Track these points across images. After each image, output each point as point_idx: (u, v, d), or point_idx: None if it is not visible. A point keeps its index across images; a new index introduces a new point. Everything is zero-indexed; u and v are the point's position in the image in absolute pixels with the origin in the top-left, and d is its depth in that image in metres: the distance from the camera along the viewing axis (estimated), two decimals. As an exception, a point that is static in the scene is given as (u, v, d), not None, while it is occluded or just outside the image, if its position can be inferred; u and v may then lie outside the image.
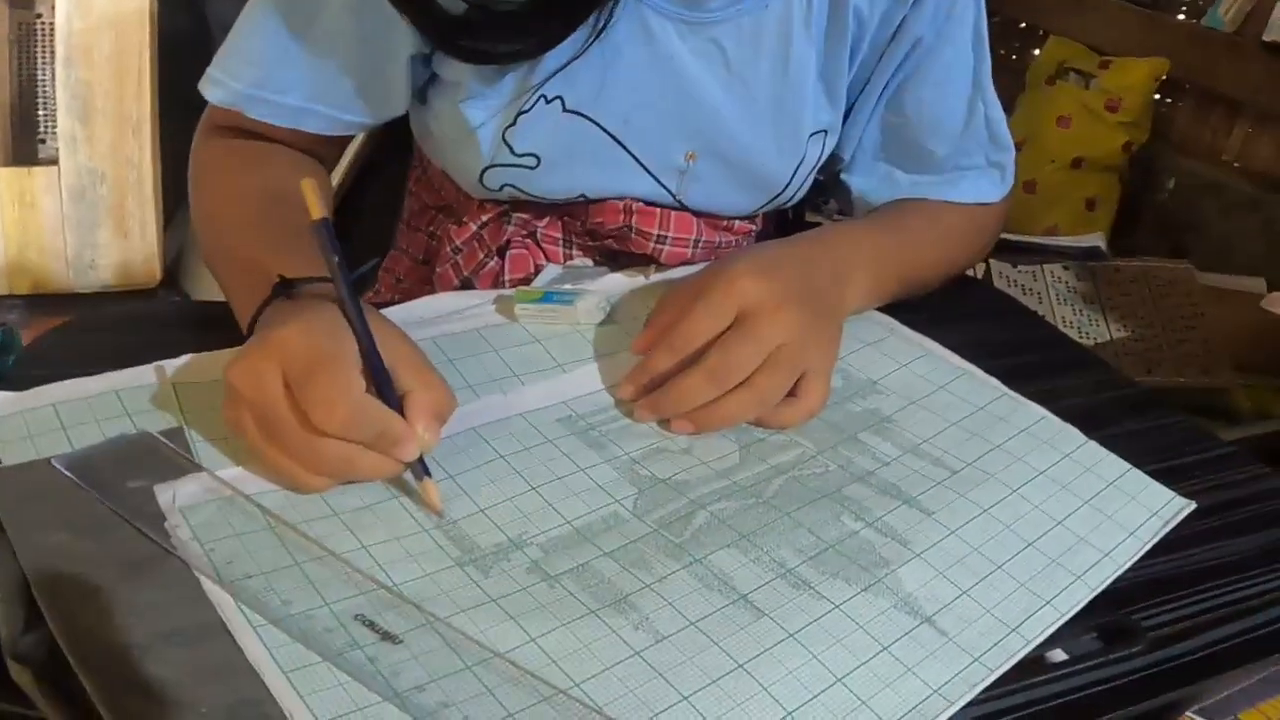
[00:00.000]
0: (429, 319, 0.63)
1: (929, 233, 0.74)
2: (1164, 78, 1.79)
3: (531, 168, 0.67)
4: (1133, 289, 1.59)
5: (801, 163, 0.71)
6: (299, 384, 0.45)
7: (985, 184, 0.75)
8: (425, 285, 0.78)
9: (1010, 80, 1.87)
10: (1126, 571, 0.51)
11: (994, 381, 0.64)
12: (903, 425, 0.59)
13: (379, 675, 0.38)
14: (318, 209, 0.49)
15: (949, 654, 0.44)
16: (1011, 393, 0.63)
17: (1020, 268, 1.57)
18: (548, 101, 0.65)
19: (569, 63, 0.63)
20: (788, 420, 0.57)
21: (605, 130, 0.67)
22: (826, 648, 0.43)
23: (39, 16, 1.63)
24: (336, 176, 0.93)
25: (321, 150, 0.70)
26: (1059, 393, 0.67)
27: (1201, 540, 0.55)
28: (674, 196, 0.71)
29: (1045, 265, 1.59)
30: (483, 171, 0.68)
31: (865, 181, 0.76)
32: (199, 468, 0.47)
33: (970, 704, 0.43)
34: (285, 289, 0.52)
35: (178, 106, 1.65)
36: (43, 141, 1.68)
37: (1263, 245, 1.67)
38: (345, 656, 0.39)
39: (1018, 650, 0.45)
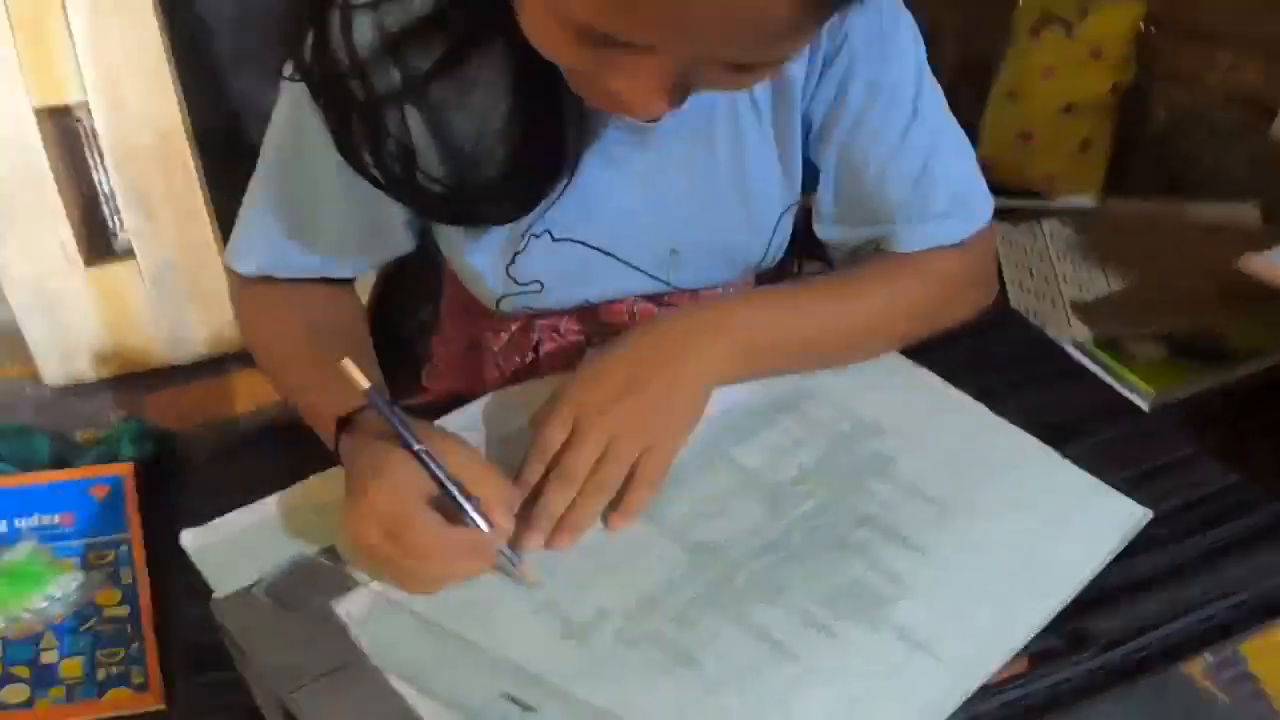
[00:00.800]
0: (493, 414, 0.82)
1: (855, 298, 0.82)
2: (1145, 18, 1.90)
3: (538, 292, 0.87)
4: (1128, 236, 1.72)
5: (772, 238, 0.88)
6: (396, 539, 0.65)
7: (945, 227, 0.82)
8: (478, 375, 0.96)
9: (996, 33, 1.99)
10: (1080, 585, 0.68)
11: (982, 409, 0.83)
12: (900, 464, 0.79)
13: (528, 737, 0.58)
14: (362, 381, 0.68)
15: (939, 675, 0.64)
16: (996, 419, 0.83)
17: (1019, 225, 1.70)
18: (537, 237, 0.83)
19: (549, 206, 0.80)
20: (634, 502, 0.72)
21: (594, 248, 0.85)
22: (843, 680, 0.63)
23: (79, 121, 1.84)
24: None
25: None
26: (1045, 407, 0.85)
27: (1156, 543, 0.74)
28: (667, 284, 0.89)
29: (1043, 221, 1.72)
30: (497, 301, 0.87)
31: (830, 232, 0.86)
32: (356, 581, 0.66)
33: (955, 712, 0.61)
34: (346, 425, 0.73)
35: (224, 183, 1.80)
36: (114, 236, 1.86)
37: (1250, 171, 1.79)
38: (501, 726, 0.58)
39: (994, 666, 0.65)
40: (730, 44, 0.55)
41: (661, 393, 0.74)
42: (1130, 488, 0.76)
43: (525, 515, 0.71)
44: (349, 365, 0.68)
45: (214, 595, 0.68)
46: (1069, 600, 0.69)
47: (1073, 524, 0.74)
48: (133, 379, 1.93)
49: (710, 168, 0.82)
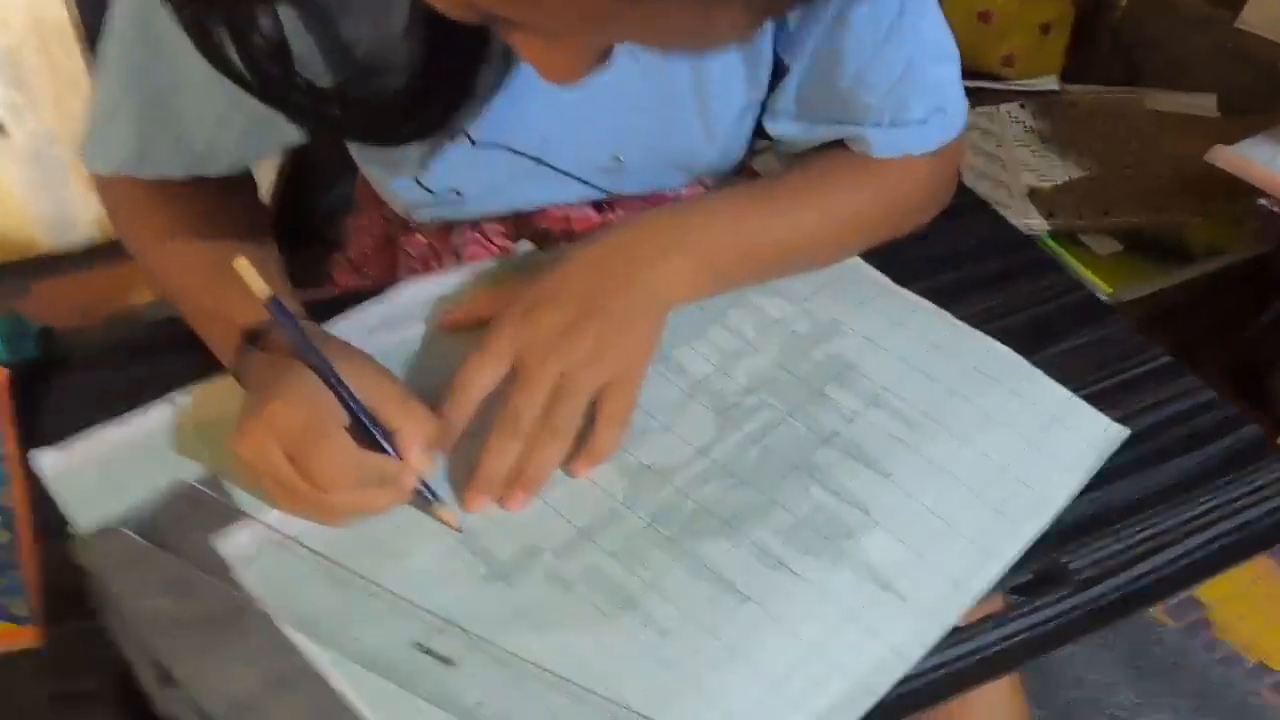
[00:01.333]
0: (412, 308, 0.72)
1: (821, 203, 0.75)
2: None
3: (456, 202, 0.76)
4: (1088, 122, 1.68)
5: (731, 142, 0.78)
6: (297, 458, 0.57)
7: (921, 134, 0.76)
8: (391, 272, 0.86)
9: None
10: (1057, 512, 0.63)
11: (946, 316, 0.76)
12: (864, 372, 0.72)
13: (446, 697, 0.51)
14: (260, 286, 0.59)
15: (907, 616, 0.58)
16: (962, 326, 0.76)
17: (978, 109, 1.64)
18: (454, 142, 0.72)
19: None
20: (602, 443, 0.63)
21: (523, 155, 0.74)
22: (803, 623, 0.57)
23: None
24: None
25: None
26: (1009, 306, 0.80)
27: (1131, 469, 0.70)
28: (608, 193, 0.79)
29: (1003, 105, 1.66)
30: (408, 209, 0.75)
31: (786, 129, 0.78)
32: (244, 515, 0.58)
33: (926, 655, 0.56)
34: (252, 341, 0.63)
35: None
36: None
37: (1213, 61, 1.75)
38: (416, 683, 0.52)
39: (965, 605, 0.58)
40: (660, 40, 0.44)
41: (619, 318, 0.66)
42: (1104, 401, 0.71)
43: (460, 462, 0.63)
44: (245, 267, 0.58)
45: (72, 531, 0.59)
46: (1043, 530, 0.64)
47: (1048, 444, 0.68)
48: (11, 269, 1.77)
49: (662, 64, 0.72)
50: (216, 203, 0.73)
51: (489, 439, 0.63)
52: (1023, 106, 1.75)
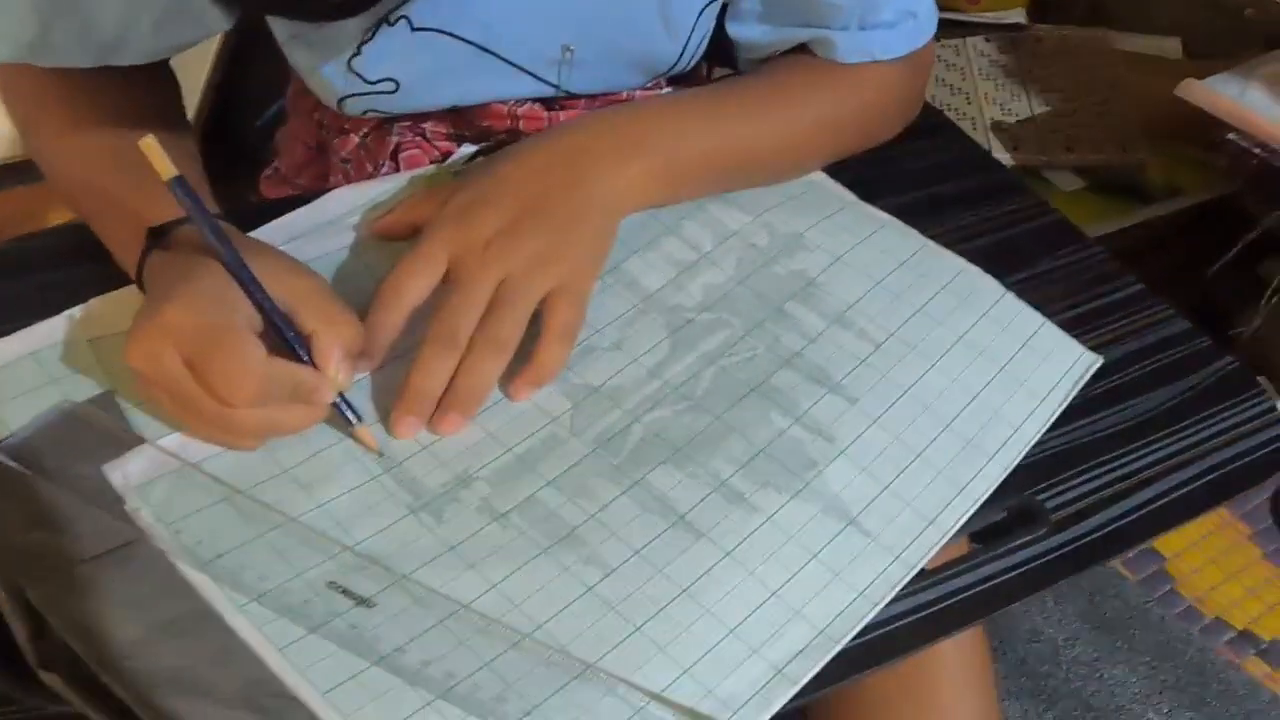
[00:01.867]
0: (340, 216, 0.65)
1: (787, 107, 0.70)
2: None
3: (390, 92, 0.68)
4: (1053, 60, 1.64)
5: (690, 37, 0.71)
6: (197, 365, 0.49)
7: (890, 39, 0.71)
8: (323, 181, 0.79)
9: None
10: (1032, 446, 0.58)
11: (914, 233, 0.70)
12: (827, 289, 0.66)
13: (362, 641, 0.46)
14: (166, 167, 0.52)
15: (872, 555, 0.52)
16: (932, 244, 0.70)
17: (944, 42, 1.59)
18: (391, 24, 0.64)
19: None
20: (546, 360, 0.57)
21: (465, 40, 0.67)
22: (761, 563, 0.51)
23: None
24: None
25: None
26: (978, 228, 0.76)
27: (1105, 403, 0.65)
28: (558, 88, 0.71)
29: (968, 38, 1.61)
30: (339, 101, 0.68)
31: (750, 31, 0.72)
32: (140, 439, 0.51)
33: (892, 600, 0.51)
34: (159, 239, 0.55)
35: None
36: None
37: (1178, 5, 1.72)
38: (328, 627, 0.46)
39: (935, 543, 0.54)
40: None
41: (566, 219, 0.59)
42: (1075, 329, 0.67)
43: (386, 382, 0.57)
44: (151, 146, 0.51)
45: None
46: (1015, 465, 0.59)
47: (1020, 371, 0.62)
48: None
49: None
50: (127, 96, 0.64)
51: (420, 352, 0.56)
52: (988, 40, 1.70)
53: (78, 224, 0.64)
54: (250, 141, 0.95)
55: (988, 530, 0.57)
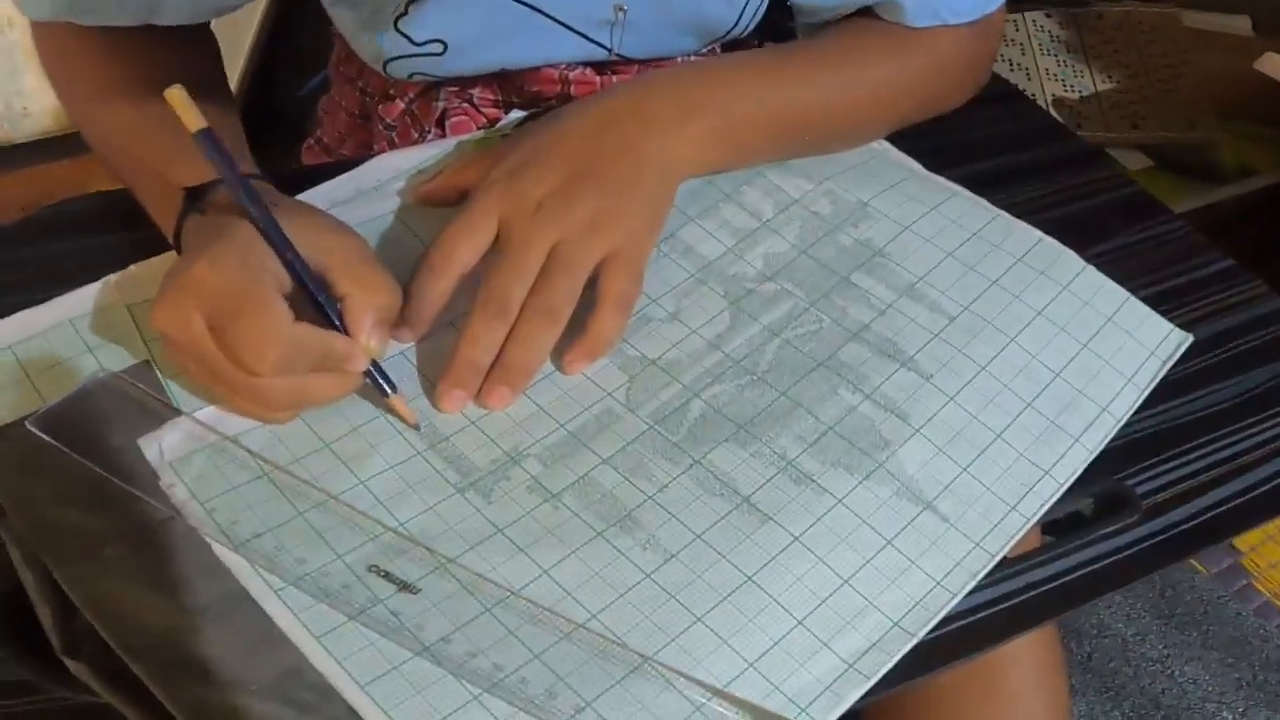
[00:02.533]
0: (385, 182, 0.62)
1: (851, 70, 0.65)
2: None
3: (438, 54, 0.64)
4: (1117, 36, 1.56)
5: (748, 2, 0.66)
6: (221, 330, 0.46)
7: (964, 2, 0.66)
8: (367, 149, 0.75)
9: None
10: (1119, 429, 0.54)
11: (985, 204, 0.65)
12: (896, 259, 0.61)
13: (405, 630, 0.42)
14: (194, 119, 0.48)
15: (950, 542, 0.48)
16: (1005, 215, 0.65)
17: (999, 13, 1.53)
18: None
19: None
20: (602, 332, 0.53)
21: (516, 0, 0.62)
22: (832, 548, 0.47)
23: None
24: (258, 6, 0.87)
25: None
26: (1053, 199, 0.70)
27: (1197, 383, 0.59)
28: (609, 51, 0.67)
29: (1026, 13, 1.55)
30: (385, 64, 0.64)
31: None
32: (177, 411, 0.48)
33: (972, 591, 0.46)
34: (194, 200, 0.52)
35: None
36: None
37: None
38: (369, 614, 0.42)
39: (1017, 530, 0.49)
40: None
41: (622, 181, 0.55)
42: (1161, 305, 0.61)
43: (432, 353, 0.53)
44: (178, 96, 0.47)
45: None
46: (1102, 448, 0.54)
47: (1106, 349, 0.57)
48: None
49: None
50: (167, 58, 0.61)
51: (469, 321, 0.52)
52: (1048, 15, 1.63)
53: (123, 189, 0.61)
54: (292, 112, 0.92)
55: (1072, 518, 0.52)
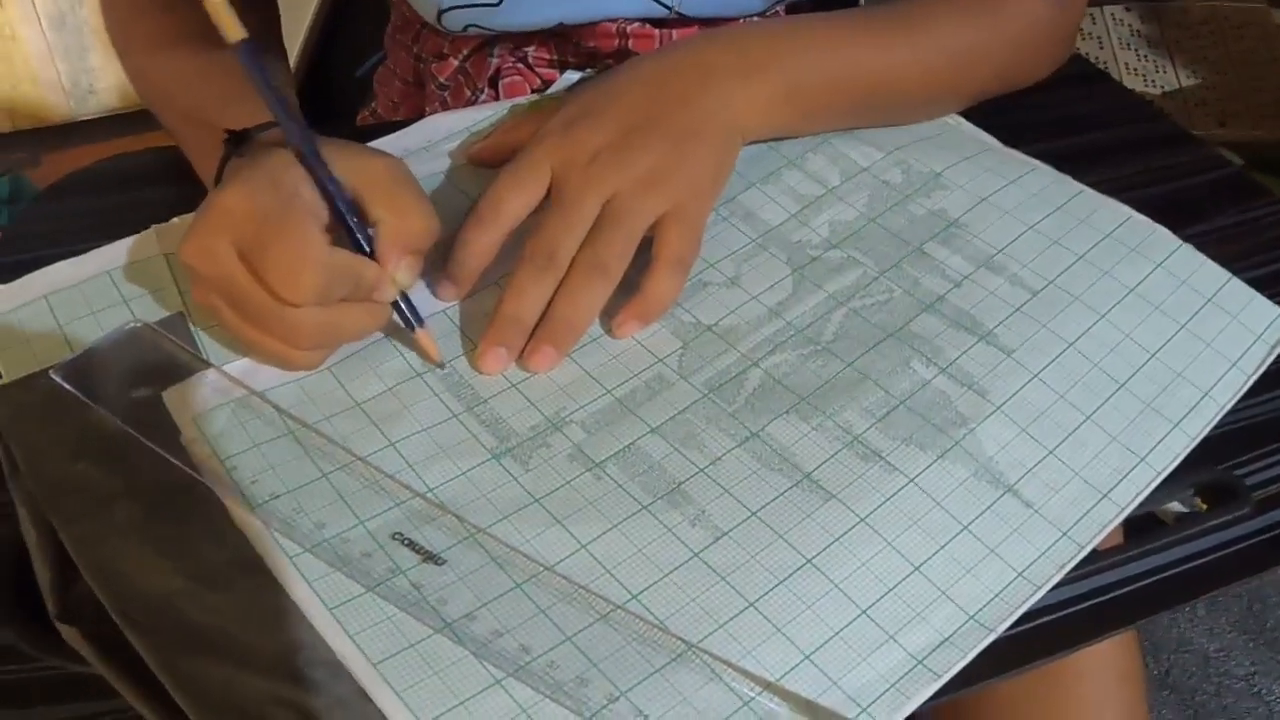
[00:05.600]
0: (436, 142, 0.57)
1: (926, 37, 0.58)
2: None
3: (494, 4, 0.58)
4: (1202, 31, 1.45)
5: None
6: (254, 256, 0.41)
7: None
8: (418, 114, 0.71)
9: None
10: (1223, 417, 0.46)
11: (1067, 178, 0.57)
12: (973, 230, 0.53)
13: (426, 604, 0.36)
14: (235, 28, 0.43)
15: (1034, 529, 0.41)
16: (1090, 190, 0.57)
17: (1076, 7, 1.43)
18: None
19: None
20: (656, 292, 0.47)
21: None
22: (902, 531, 0.40)
23: None
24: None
25: None
26: (1144, 178, 0.62)
27: None
28: (670, 9, 0.61)
29: (1105, 6, 1.45)
30: (439, 14, 0.59)
31: None
32: (206, 364, 0.43)
33: (1058, 585, 0.40)
34: (237, 144, 0.47)
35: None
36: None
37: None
38: (389, 585, 0.37)
39: (1110, 520, 0.42)
40: None
41: (681, 135, 0.49)
42: (1264, 289, 0.52)
43: (475, 313, 0.48)
44: (219, 4, 0.42)
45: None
46: (1203, 436, 0.46)
47: (1206, 331, 0.49)
48: (30, 135, 1.59)
49: None
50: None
51: (514, 273, 0.46)
52: (1127, 9, 1.53)
53: (173, 146, 0.57)
54: (348, 92, 0.87)
55: (1182, 522, 0.45)
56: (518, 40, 0.64)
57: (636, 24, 0.62)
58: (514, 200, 0.48)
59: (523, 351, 0.46)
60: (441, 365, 0.45)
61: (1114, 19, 1.51)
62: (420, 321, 0.45)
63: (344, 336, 0.44)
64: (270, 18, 0.62)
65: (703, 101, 0.50)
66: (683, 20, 0.62)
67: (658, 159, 0.48)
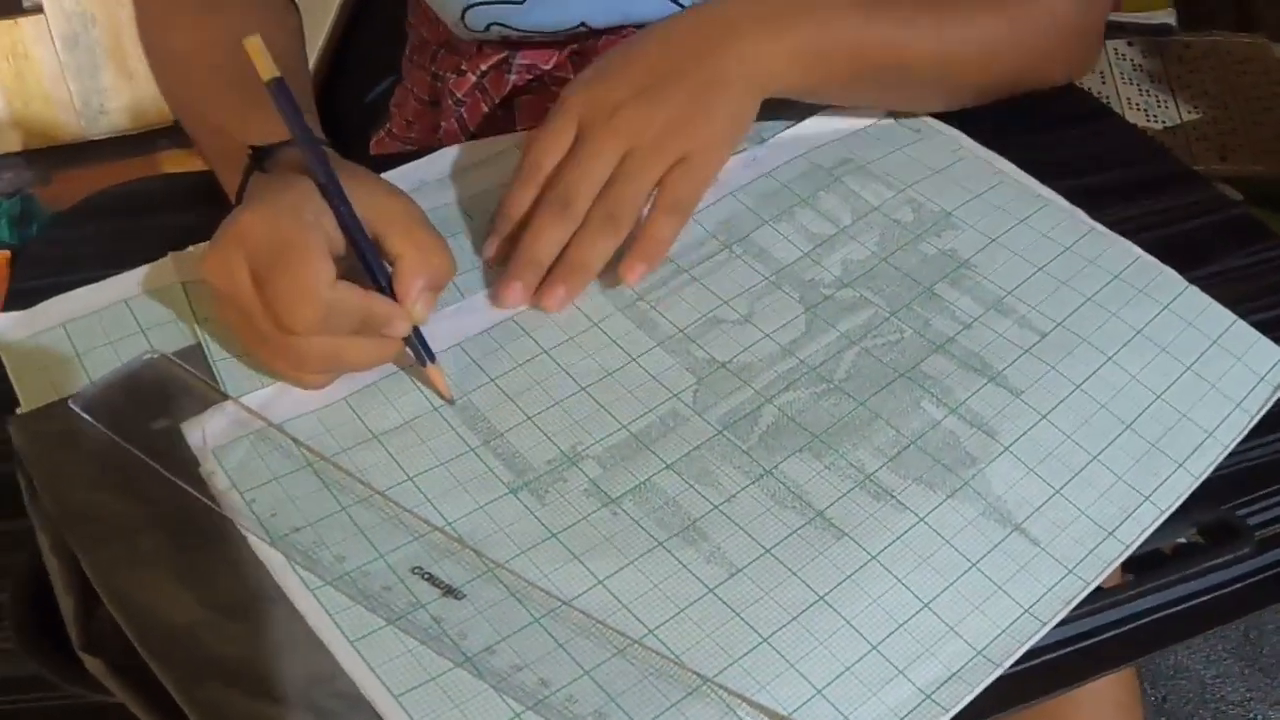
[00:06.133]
0: (447, 175, 0.58)
1: (949, 20, 0.60)
2: None
3: (519, 1, 0.60)
4: (1203, 66, 1.47)
5: None
6: (263, 281, 0.42)
7: None
8: (434, 133, 0.72)
9: None
10: (1226, 457, 0.47)
11: (1080, 214, 0.59)
12: (983, 272, 0.55)
13: (446, 638, 0.37)
14: (268, 68, 0.45)
15: (1041, 567, 0.42)
16: (1100, 227, 0.58)
17: (1081, 43, 1.45)
18: None
19: None
20: (655, 233, 0.51)
21: None
22: (912, 569, 0.41)
23: None
24: (330, 9, 0.85)
25: None
26: (1150, 219, 0.63)
27: None
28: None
29: (1108, 41, 1.47)
30: (463, 11, 0.61)
31: None
32: (224, 396, 0.44)
33: (1063, 622, 0.41)
34: (260, 160, 0.49)
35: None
36: (24, -9, 1.58)
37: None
38: (409, 618, 0.38)
39: (1115, 558, 0.43)
40: None
41: (700, 87, 0.52)
42: (1273, 331, 0.54)
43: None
44: (256, 45, 0.44)
45: (18, 410, 0.45)
46: (1207, 474, 0.47)
47: (1211, 372, 0.50)
48: (41, 154, 1.61)
49: None
50: (253, 19, 0.59)
51: (534, 218, 0.50)
52: (1130, 44, 1.55)
53: (189, 173, 0.58)
54: (356, 117, 0.89)
55: (1185, 561, 0.46)
56: (537, 56, 0.66)
57: None
58: (548, 160, 0.52)
59: (538, 290, 0.50)
60: (452, 401, 0.46)
61: (1116, 53, 1.53)
62: (432, 358, 0.46)
63: (348, 366, 0.45)
64: (296, 27, 0.64)
65: (723, 53, 0.53)
66: None
67: (676, 111, 0.51)
